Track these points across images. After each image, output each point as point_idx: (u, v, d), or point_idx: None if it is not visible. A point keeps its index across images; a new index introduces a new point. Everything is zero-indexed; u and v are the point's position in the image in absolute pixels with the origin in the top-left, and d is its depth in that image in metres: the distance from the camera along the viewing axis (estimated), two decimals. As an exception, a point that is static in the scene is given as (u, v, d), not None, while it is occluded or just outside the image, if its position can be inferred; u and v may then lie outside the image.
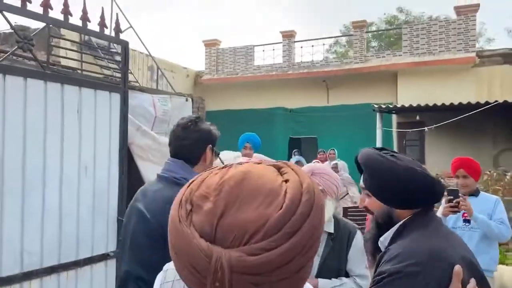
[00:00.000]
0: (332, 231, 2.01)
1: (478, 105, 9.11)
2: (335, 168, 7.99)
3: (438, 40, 10.78)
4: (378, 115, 10.13)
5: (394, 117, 11.43)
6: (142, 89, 5.95)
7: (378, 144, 10.23)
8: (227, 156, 7.74)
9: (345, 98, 12.18)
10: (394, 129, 11.18)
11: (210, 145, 1.81)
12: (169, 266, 0.89)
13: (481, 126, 9.91)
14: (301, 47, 12.81)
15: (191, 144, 1.72)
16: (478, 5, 10.43)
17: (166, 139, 7.04)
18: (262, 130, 12.90)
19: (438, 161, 10.64)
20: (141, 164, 6.00)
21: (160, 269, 0.93)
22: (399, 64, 11.10)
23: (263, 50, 13.23)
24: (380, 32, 21.00)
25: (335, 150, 9.17)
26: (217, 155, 1.95)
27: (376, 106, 10.01)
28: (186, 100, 7.60)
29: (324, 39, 13.37)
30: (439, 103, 9.46)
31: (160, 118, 7.10)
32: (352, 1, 39.59)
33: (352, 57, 11.92)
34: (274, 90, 13.00)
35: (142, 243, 1.58)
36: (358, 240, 2.04)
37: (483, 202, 3.32)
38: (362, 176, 1.40)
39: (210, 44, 13.71)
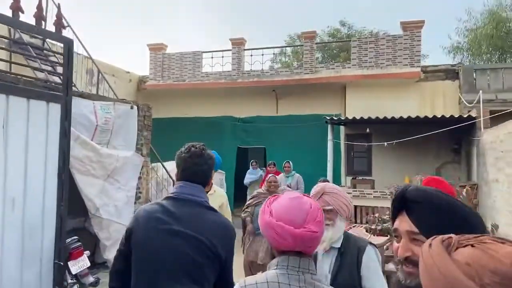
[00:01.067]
0: (339, 246, 2.02)
1: (423, 119, 9.35)
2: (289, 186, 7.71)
3: (386, 54, 11.00)
4: (329, 126, 10.06)
5: (342, 128, 11.47)
6: (82, 95, 5.23)
7: (329, 156, 10.16)
8: (173, 166, 7.23)
9: (294, 109, 12.06)
10: (343, 141, 11.21)
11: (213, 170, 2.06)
12: (246, 283, 1.28)
13: (425, 140, 10.15)
14: (251, 55, 12.53)
15: (208, 170, 1.93)
16: (423, 21, 10.78)
17: (108, 151, 6.38)
18: (210, 139, 12.39)
19: (384, 173, 10.82)
20: (80, 179, 5.28)
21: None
22: (348, 76, 11.18)
23: (212, 57, 12.78)
24: (324, 44, 21.34)
25: (291, 163, 8.89)
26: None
27: (328, 118, 9.94)
28: (131, 107, 6.94)
29: (275, 48, 13.21)
30: (386, 116, 9.60)
31: (101, 127, 6.36)
32: (294, 14, 40.35)
33: (302, 67, 11.82)
34: (223, 98, 12.58)
35: (201, 263, 1.73)
36: (370, 255, 2.00)
37: None
38: (399, 219, 1.10)
39: (156, 48, 13.00)
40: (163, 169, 8.39)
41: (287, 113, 12.16)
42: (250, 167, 10.47)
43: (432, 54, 35.56)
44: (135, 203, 6.89)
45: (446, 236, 0.68)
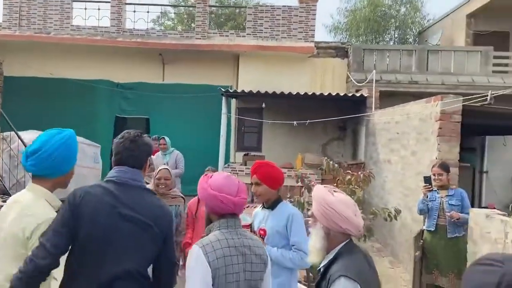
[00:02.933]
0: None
1: (316, 96, 9.23)
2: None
3: (281, 26, 10.58)
4: (223, 99, 9.31)
5: (233, 101, 10.82)
6: None
7: (222, 131, 9.44)
8: (32, 136, 5.95)
9: (182, 77, 10.97)
10: (234, 115, 10.58)
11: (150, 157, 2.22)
12: (203, 243, 1.84)
13: (314, 117, 10.09)
14: (134, 11, 10.94)
15: (141, 155, 2.07)
16: (319, -6, 10.56)
17: None
18: (82, 106, 10.65)
19: (273, 149, 10.57)
20: None
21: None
22: (242, 46, 10.49)
23: (85, 8, 10.82)
24: (217, 8, 20.18)
25: (167, 139, 7.43)
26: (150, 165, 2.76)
27: (223, 90, 9.17)
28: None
29: (162, 6, 11.77)
30: (277, 90, 9.24)
31: None
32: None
33: (194, 31, 10.74)
34: (99, 59, 10.81)
35: (145, 243, 1.93)
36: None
37: (278, 217, 2.76)
38: None
39: (11, -11, 10.49)
40: (19, 140, 6.70)
41: (174, 81, 11.02)
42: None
43: (316, 32, 37.16)
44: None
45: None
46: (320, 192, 1.89)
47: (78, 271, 1.85)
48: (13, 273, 1.77)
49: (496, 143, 10.14)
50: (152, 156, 4.95)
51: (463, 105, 4.95)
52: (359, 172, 4.96)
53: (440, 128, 5.03)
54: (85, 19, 10.79)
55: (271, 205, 2.80)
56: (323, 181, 7.77)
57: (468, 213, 4.14)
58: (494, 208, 5.97)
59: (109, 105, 11.17)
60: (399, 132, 6.49)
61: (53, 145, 2.01)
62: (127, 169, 1.99)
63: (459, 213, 4.26)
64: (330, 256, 1.79)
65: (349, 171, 5.44)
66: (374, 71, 9.07)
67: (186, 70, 10.99)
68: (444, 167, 4.39)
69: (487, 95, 4.74)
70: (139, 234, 1.91)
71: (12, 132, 6.80)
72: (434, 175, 4.41)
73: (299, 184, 5.68)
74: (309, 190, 5.38)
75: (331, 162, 5.55)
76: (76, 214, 1.86)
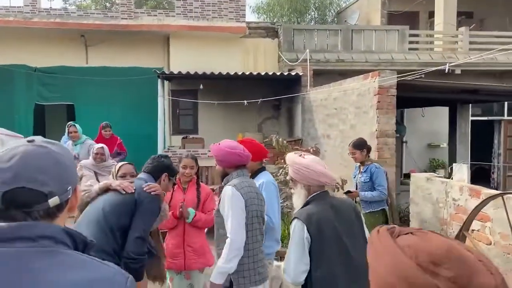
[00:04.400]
0: None
1: (249, 76, 9.35)
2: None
3: (211, 6, 10.42)
4: (159, 81, 9.03)
5: (166, 84, 10.53)
6: None
7: (160, 114, 9.19)
8: None
9: (109, 60, 10.38)
10: (167, 97, 10.30)
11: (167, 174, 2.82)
12: (237, 185, 2.59)
13: (248, 97, 10.21)
14: (50, -11, 10.04)
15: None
16: (247, -26, 10.55)
17: None
18: (-3, 94, 9.69)
19: (211, 130, 10.54)
20: None
21: None
22: (173, 26, 10.18)
23: (-8, -15, 9.70)
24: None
25: (77, 127, 6.30)
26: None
27: (158, 72, 8.90)
28: None
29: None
30: (210, 71, 9.21)
31: None
32: None
33: (119, 11, 10.17)
34: (12, 42, 9.82)
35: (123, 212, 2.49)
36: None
37: None
38: None
39: None
40: None
41: (100, 64, 10.39)
42: (66, 133, 6.53)
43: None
44: None
45: (391, 225, 0.86)
46: (294, 159, 2.37)
47: None
48: None
49: (413, 115, 11.15)
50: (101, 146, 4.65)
51: (397, 80, 5.37)
52: (309, 147, 5.21)
53: (378, 101, 5.42)
54: (-8, -3, 9.69)
55: (253, 175, 3.05)
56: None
57: (379, 189, 4.23)
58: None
59: (27, 92, 10.26)
60: (337, 108, 6.86)
61: None
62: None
63: (361, 192, 4.37)
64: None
65: (297, 147, 5.68)
66: (307, 50, 9.39)
67: (112, 52, 10.42)
68: (355, 145, 4.48)
69: (417, 72, 5.21)
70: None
71: None
72: (349, 153, 4.59)
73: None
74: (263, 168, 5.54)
75: (280, 139, 5.74)
76: None
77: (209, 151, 8.92)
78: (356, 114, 6.11)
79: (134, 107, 10.29)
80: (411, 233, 0.80)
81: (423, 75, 5.05)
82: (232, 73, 9.21)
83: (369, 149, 4.50)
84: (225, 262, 2.49)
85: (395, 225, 0.86)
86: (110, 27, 9.97)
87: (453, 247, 0.75)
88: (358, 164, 4.56)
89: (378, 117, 5.44)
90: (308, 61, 9.14)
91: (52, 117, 11.48)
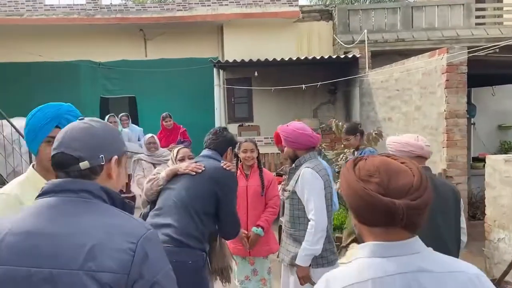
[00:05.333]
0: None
1: (303, 60, 9.17)
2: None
3: (264, -8, 10.32)
4: (215, 70, 9.13)
5: (221, 72, 10.62)
6: None
7: (217, 103, 9.31)
8: (21, 123, 5.73)
9: (166, 52, 10.66)
10: (222, 86, 10.39)
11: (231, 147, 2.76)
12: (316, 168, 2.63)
13: (303, 82, 10.05)
14: (109, -15, 10.44)
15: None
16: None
17: None
18: (66, 89, 10.21)
19: (265, 118, 10.52)
20: None
21: None
22: (226, 15, 10.21)
23: (57, -14, 10.25)
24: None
25: (129, 117, 7.61)
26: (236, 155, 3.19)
27: (214, 61, 8.99)
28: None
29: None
30: (264, 58, 9.15)
31: None
32: None
33: (174, 3, 10.36)
34: (76, 38, 10.33)
35: (206, 195, 2.44)
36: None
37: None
38: None
39: (-27, -30, 9.79)
40: (11, 127, 6.43)
41: (158, 57, 10.69)
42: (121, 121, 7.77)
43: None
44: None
45: (358, 157, 1.17)
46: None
47: None
48: None
49: (482, 94, 10.40)
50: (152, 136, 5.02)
51: (468, 56, 5.01)
52: (372, 131, 5.01)
53: (447, 80, 5.09)
54: (57, -3, 10.24)
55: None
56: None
57: None
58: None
59: (93, 86, 10.82)
60: (399, 89, 6.55)
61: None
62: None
63: None
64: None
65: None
66: (365, 30, 9.03)
67: (169, 44, 10.67)
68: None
69: (489, 47, 4.81)
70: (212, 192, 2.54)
71: (3, 120, 6.52)
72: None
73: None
74: (319, 152, 5.43)
75: (339, 123, 5.59)
76: None
77: (266, 137, 8.98)
78: (422, 94, 5.79)
79: (191, 98, 10.51)
80: (365, 159, 1.12)
81: (497, 50, 4.65)
82: (286, 59, 9.08)
83: (362, 133, 4.41)
84: (311, 244, 2.51)
85: (362, 156, 1.16)
86: (166, 20, 10.19)
87: (384, 161, 1.08)
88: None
89: (447, 96, 5.12)
90: (366, 41, 8.79)
91: (116, 109, 12.03)
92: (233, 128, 10.48)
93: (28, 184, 1.69)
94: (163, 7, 10.56)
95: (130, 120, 8.14)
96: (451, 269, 1.01)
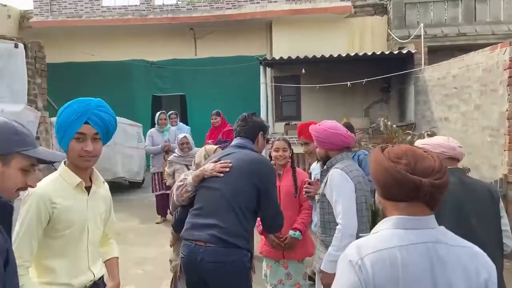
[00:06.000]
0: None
1: (351, 56, 8.79)
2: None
3: (314, -13, 10.05)
4: (261, 68, 9.03)
5: (268, 70, 10.50)
6: None
7: (262, 101, 9.20)
8: None
9: (215, 50, 10.73)
10: (269, 84, 10.27)
11: (262, 132, 2.57)
12: (345, 168, 2.44)
13: (353, 80, 9.66)
14: (161, -14, 10.68)
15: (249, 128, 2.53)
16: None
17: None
18: (119, 87, 10.62)
19: (314, 116, 10.21)
20: None
21: None
22: (275, 12, 10.07)
23: (113, -12, 10.66)
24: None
25: (177, 115, 7.28)
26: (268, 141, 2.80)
27: (260, 59, 8.89)
28: (16, 45, 5.15)
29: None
30: (314, 55, 8.88)
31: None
32: None
33: (224, 1, 10.38)
34: (131, 38, 10.70)
35: (246, 189, 2.28)
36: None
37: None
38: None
39: (39, -25, 10.43)
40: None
41: (207, 55, 10.80)
42: (156, 125, 6.83)
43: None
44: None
45: (384, 144, 1.34)
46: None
47: None
48: None
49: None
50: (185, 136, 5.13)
51: (536, 49, 4.48)
52: (424, 131, 4.65)
53: (510, 76, 4.60)
54: (114, -2, 10.65)
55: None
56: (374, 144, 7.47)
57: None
58: None
59: (146, 84, 11.15)
60: (457, 86, 6.05)
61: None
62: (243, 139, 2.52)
63: None
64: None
65: (409, 132, 5.14)
66: (422, 24, 8.48)
67: (218, 42, 10.73)
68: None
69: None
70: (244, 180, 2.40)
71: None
72: None
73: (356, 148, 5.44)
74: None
75: (388, 123, 5.26)
76: None
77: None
78: (482, 92, 5.29)
79: (239, 95, 10.49)
80: (392, 146, 1.27)
81: None
82: (338, 55, 8.76)
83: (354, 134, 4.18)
84: (337, 249, 2.29)
85: (388, 144, 1.33)
86: (216, 18, 10.25)
87: (409, 148, 1.22)
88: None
89: (509, 95, 4.62)
90: (422, 37, 8.25)
91: (169, 107, 12.31)
92: (279, 127, 10.33)
93: (60, 181, 1.74)
94: (213, 5, 10.62)
95: (178, 118, 8.21)
96: (462, 244, 1.18)
